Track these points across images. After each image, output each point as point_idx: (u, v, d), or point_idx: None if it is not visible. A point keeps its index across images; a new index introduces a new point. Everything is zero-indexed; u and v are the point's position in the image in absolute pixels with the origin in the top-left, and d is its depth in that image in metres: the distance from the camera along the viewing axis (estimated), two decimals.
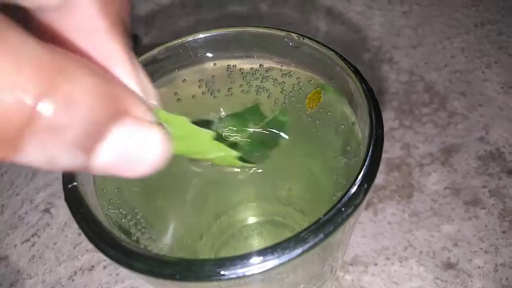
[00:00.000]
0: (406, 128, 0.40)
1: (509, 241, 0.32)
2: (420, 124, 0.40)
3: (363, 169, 0.14)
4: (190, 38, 0.20)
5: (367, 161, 0.14)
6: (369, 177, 0.14)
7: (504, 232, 0.33)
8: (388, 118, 0.41)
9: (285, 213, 0.24)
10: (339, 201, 0.13)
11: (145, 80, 0.12)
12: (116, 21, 0.11)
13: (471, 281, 0.31)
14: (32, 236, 0.37)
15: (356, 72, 0.17)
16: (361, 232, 0.34)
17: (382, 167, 0.38)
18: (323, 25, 0.49)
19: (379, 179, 0.37)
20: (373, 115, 0.15)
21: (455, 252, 0.32)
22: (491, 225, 0.33)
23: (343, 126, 0.18)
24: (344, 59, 0.17)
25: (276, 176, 0.24)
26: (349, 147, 0.18)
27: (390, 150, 0.38)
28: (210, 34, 0.19)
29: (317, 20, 0.49)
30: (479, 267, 0.31)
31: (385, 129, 0.42)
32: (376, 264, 0.32)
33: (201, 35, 0.20)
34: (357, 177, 0.13)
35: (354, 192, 0.13)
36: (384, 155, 0.38)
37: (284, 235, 0.15)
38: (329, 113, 0.19)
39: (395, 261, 0.32)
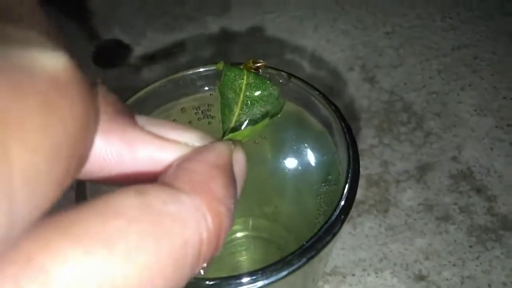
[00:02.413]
0: (385, 145, 0.42)
1: (475, 255, 0.35)
2: (398, 142, 0.42)
3: (341, 202, 0.16)
4: (190, 71, 0.22)
5: (344, 195, 0.16)
6: (346, 209, 0.16)
7: (471, 246, 0.36)
8: (369, 136, 0.43)
9: (272, 229, 0.26)
10: (319, 230, 0.15)
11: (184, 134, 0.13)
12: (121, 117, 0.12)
13: None
14: None
15: (337, 111, 0.19)
16: (341, 245, 0.36)
17: (362, 182, 0.41)
18: (309, 43, 0.51)
19: (359, 194, 0.39)
20: (350, 153, 0.17)
21: (426, 265, 0.35)
22: (459, 239, 0.36)
23: (325, 157, 0.21)
24: (326, 98, 0.19)
25: (263, 194, 0.26)
26: (330, 176, 0.20)
27: (370, 167, 0.41)
28: (208, 69, 0.21)
29: (302, 38, 0.51)
30: (447, 279, 0.34)
31: (365, 146, 0.44)
32: (353, 275, 0.35)
33: (201, 69, 0.22)
34: (335, 209, 0.16)
35: (333, 222, 0.15)
36: (364, 172, 0.41)
37: (270, 251, 0.17)
38: (313, 144, 0.21)
39: (371, 272, 0.35)
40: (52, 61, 0.09)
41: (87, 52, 0.53)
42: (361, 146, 0.42)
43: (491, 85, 0.46)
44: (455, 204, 0.38)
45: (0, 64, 0.08)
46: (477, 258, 0.35)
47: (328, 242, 0.15)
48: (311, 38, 0.52)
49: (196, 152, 0.13)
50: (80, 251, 0.09)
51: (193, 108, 0.23)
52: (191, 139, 0.13)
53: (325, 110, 0.19)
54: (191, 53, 0.52)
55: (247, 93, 0.19)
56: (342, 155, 0.19)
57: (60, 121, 0.08)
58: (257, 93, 0.19)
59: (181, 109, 0.23)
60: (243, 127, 0.18)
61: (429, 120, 0.44)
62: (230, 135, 0.17)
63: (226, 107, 0.18)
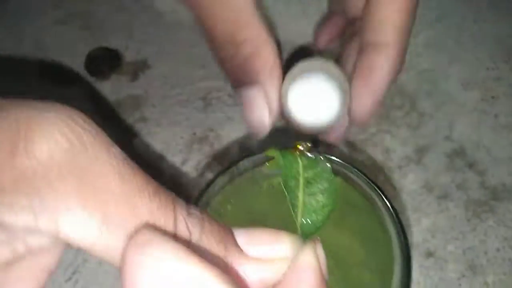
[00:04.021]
0: (385, 132, 0.46)
1: (472, 227, 0.41)
2: (395, 127, 0.46)
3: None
4: (243, 161, 0.24)
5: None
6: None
7: (468, 220, 0.41)
8: (368, 124, 0.47)
9: None
10: None
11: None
12: None
13: (446, 265, 0.40)
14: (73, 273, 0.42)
15: (381, 191, 0.22)
16: None
17: (368, 171, 0.45)
18: (300, 28, 0.52)
19: None
20: (402, 238, 0.21)
21: (433, 242, 0.41)
22: (458, 215, 0.42)
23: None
24: (368, 180, 0.23)
25: None
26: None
27: (373, 155, 0.45)
28: (258, 158, 0.24)
29: (296, 20, 0.52)
30: (451, 253, 0.40)
31: (367, 135, 0.47)
32: None
33: (251, 159, 0.24)
34: None
35: None
36: (369, 161, 0.45)
37: None
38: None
39: None
40: None
41: (78, 64, 0.52)
42: (362, 136, 0.46)
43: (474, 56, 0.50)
44: (452, 182, 0.43)
45: None
46: (474, 229, 0.41)
47: None
48: (302, 23, 0.52)
49: (294, 271, 0.17)
50: None
51: (253, 181, 0.25)
52: (286, 251, 0.17)
53: (370, 191, 0.23)
54: (184, 51, 0.52)
55: (305, 175, 0.22)
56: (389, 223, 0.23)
57: None
58: (312, 172, 0.22)
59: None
60: (306, 204, 0.21)
61: (421, 101, 0.48)
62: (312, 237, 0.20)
63: (292, 196, 0.21)
